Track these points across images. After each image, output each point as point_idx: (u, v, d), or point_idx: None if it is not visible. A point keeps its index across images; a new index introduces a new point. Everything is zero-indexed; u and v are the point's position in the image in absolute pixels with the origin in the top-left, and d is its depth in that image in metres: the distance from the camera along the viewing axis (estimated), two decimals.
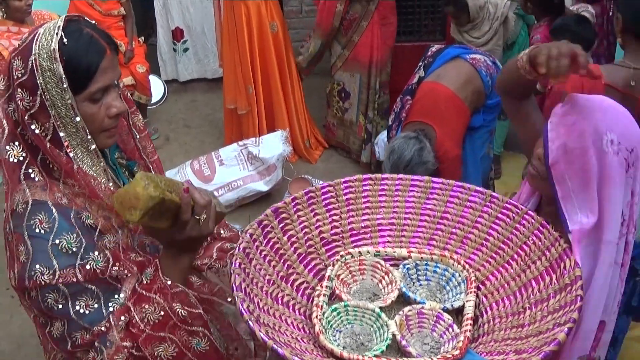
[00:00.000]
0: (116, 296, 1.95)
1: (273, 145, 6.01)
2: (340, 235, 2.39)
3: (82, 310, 1.89)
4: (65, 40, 1.85)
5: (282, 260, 2.24)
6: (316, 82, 7.30)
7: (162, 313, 1.93)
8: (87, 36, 1.90)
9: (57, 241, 1.85)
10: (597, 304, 2.04)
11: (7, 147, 1.91)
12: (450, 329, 2.04)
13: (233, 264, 2.02)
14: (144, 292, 1.94)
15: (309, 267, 2.30)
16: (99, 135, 1.99)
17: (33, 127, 1.87)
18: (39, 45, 1.85)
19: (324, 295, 2.17)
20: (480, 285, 2.20)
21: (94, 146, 1.97)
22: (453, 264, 2.26)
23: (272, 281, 2.16)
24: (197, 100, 8.18)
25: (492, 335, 2.01)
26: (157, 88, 7.84)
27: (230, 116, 6.74)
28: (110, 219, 1.98)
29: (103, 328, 1.90)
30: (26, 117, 1.86)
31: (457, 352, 1.89)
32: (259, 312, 1.98)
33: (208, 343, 2.03)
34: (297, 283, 2.24)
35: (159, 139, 7.24)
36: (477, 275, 2.23)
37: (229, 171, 5.99)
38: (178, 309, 1.94)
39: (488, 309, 2.13)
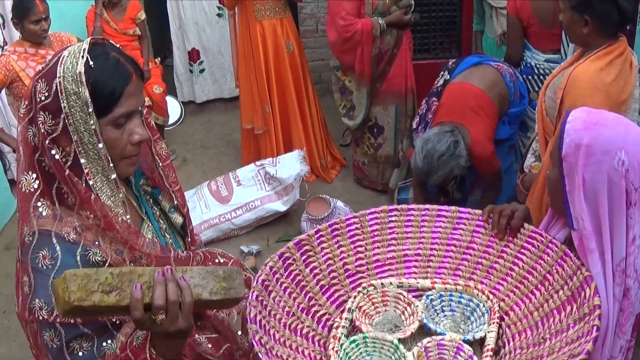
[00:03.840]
0: (110, 341, 1.87)
1: (290, 165, 5.99)
2: (365, 267, 2.37)
3: (76, 351, 1.83)
4: (91, 63, 1.82)
5: (303, 292, 2.23)
6: (334, 101, 7.30)
7: None
8: (114, 60, 1.87)
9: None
10: (615, 311, 2.01)
11: (22, 176, 1.87)
12: None
13: (250, 297, 2.01)
14: (130, 355, 1.80)
15: (332, 298, 2.29)
16: (120, 162, 1.94)
17: (53, 152, 1.82)
18: (63, 68, 1.82)
19: (343, 327, 2.16)
20: (504, 316, 2.18)
21: (114, 175, 1.91)
22: (478, 294, 2.24)
23: (291, 313, 2.15)
24: (213, 120, 8.19)
25: None
26: (173, 109, 7.86)
27: (248, 136, 6.74)
28: (122, 254, 1.90)
29: None
30: (47, 142, 1.81)
31: None
32: (274, 343, 1.97)
33: None
34: (318, 314, 2.23)
35: (176, 160, 7.24)
36: (502, 305, 2.21)
37: (247, 191, 5.99)
38: None
39: (510, 339, 2.10)
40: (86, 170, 1.86)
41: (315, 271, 2.29)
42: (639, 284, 2.01)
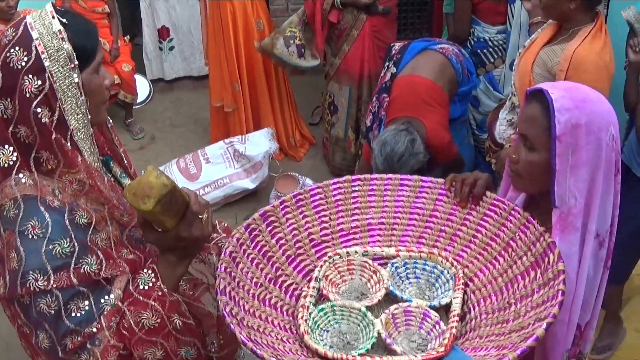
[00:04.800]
0: (107, 297, 1.93)
1: (259, 142, 5.99)
2: (330, 237, 2.39)
3: (74, 313, 1.88)
4: (64, 20, 1.90)
5: (270, 263, 2.25)
6: (304, 80, 7.32)
7: (158, 320, 1.92)
8: (78, 15, 1.99)
9: (50, 247, 1.84)
10: (581, 295, 2.07)
11: None
12: (437, 326, 2.05)
13: (219, 268, 2.04)
14: (142, 298, 1.92)
15: (298, 268, 2.31)
16: (100, 108, 2.04)
17: (39, 115, 1.85)
18: (37, 31, 1.86)
19: (311, 296, 2.18)
20: (469, 282, 2.21)
21: (91, 130, 1.98)
22: (442, 261, 2.27)
23: (259, 284, 2.17)
24: (183, 99, 8.14)
25: (477, 331, 2.02)
26: (142, 87, 7.80)
27: (217, 114, 6.71)
28: (100, 212, 1.97)
29: (94, 329, 1.89)
30: (33, 106, 1.84)
31: (442, 349, 1.91)
32: (244, 314, 2.00)
33: (196, 353, 2.06)
34: (285, 285, 2.25)
35: (145, 138, 7.22)
36: (466, 271, 2.24)
37: (215, 169, 5.97)
38: (175, 319, 1.95)
39: (476, 304, 2.13)
40: (71, 127, 1.91)
41: (281, 242, 2.31)
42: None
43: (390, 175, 2.44)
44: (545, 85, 2.07)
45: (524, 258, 2.09)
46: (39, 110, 1.85)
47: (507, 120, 3.87)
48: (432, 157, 4.48)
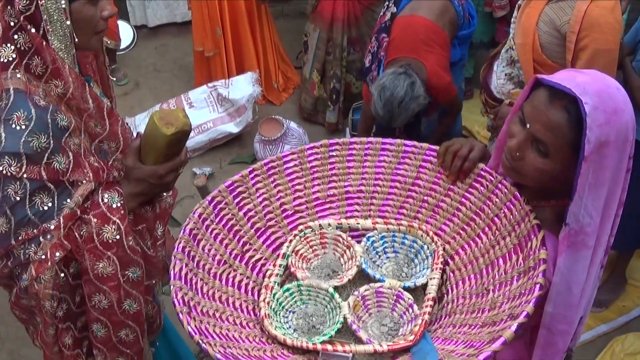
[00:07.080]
0: (68, 200, 2.08)
1: (243, 86, 5.89)
2: (305, 206, 2.27)
3: (36, 206, 2.04)
4: None
5: (236, 238, 2.13)
6: (289, 24, 7.24)
7: (117, 237, 2.10)
8: None
9: (29, 139, 1.97)
10: (586, 306, 1.95)
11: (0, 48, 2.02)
12: (410, 310, 1.96)
13: (176, 249, 1.93)
14: (107, 213, 2.10)
15: (268, 241, 2.20)
16: (93, 37, 2.17)
17: (29, 28, 1.97)
18: None
19: (276, 275, 2.08)
20: (449, 260, 2.09)
21: (74, 52, 2.11)
22: (422, 235, 2.15)
23: (222, 261, 2.07)
24: (167, 44, 8.02)
25: (452, 318, 1.91)
26: (126, 33, 7.70)
27: (200, 59, 6.59)
28: (77, 122, 2.10)
29: (51, 226, 2.06)
30: (21, 19, 1.96)
31: (412, 337, 1.82)
32: (200, 298, 1.90)
33: (141, 276, 2.20)
34: (253, 260, 2.14)
35: (129, 84, 7.11)
36: (447, 248, 2.12)
37: (199, 113, 5.91)
38: (130, 240, 2.12)
39: (454, 286, 2.02)
40: (53, 47, 2.03)
41: (250, 214, 2.18)
42: None
43: (370, 139, 2.28)
44: (574, 85, 1.73)
45: (507, 239, 1.95)
46: (26, 25, 1.97)
47: (506, 74, 3.63)
48: (431, 100, 4.46)
